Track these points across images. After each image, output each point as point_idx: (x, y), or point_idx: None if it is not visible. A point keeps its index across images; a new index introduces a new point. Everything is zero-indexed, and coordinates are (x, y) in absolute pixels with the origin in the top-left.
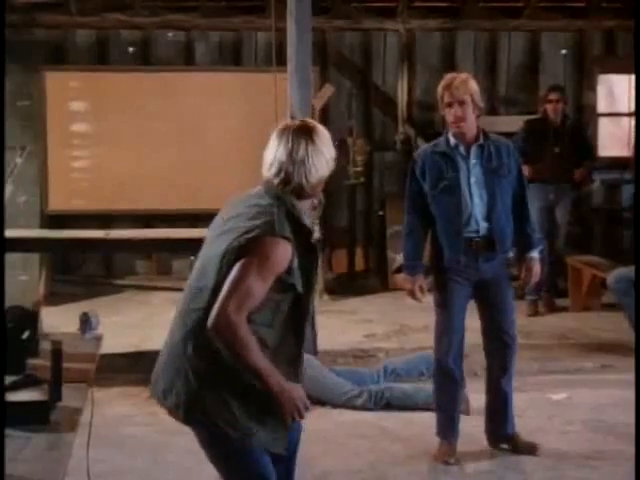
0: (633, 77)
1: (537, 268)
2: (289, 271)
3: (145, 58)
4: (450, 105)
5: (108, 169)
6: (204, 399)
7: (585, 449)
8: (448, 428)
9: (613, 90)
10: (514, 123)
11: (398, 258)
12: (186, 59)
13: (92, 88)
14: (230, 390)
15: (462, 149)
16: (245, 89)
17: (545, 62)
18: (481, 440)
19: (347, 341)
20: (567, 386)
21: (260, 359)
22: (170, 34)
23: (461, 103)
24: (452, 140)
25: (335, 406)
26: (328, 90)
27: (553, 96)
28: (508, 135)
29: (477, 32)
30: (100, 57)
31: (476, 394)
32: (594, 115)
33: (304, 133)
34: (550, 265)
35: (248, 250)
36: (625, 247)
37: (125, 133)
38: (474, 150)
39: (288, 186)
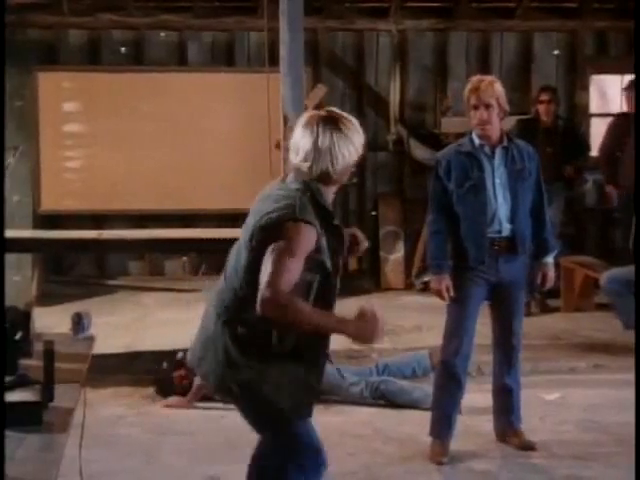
0: (625, 77)
1: (552, 273)
2: (318, 250)
3: (138, 58)
4: (476, 107)
5: (100, 169)
6: (231, 371)
7: (578, 449)
8: (444, 428)
9: (605, 90)
10: (507, 123)
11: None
12: (179, 59)
13: (84, 88)
14: (255, 363)
15: (487, 150)
16: (238, 89)
17: (538, 62)
18: (474, 438)
19: (340, 341)
20: (560, 386)
21: (316, 317)
22: (162, 34)
23: (487, 106)
24: (477, 141)
25: (330, 403)
26: (320, 90)
27: (545, 96)
28: None
29: (470, 32)
30: (92, 57)
31: (468, 394)
32: (586, 115)
33: (330, 122)
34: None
35: (272, 233)
36: (617, 247)
37: (118, 133)
38: (498, 152)
39: (315, 173)
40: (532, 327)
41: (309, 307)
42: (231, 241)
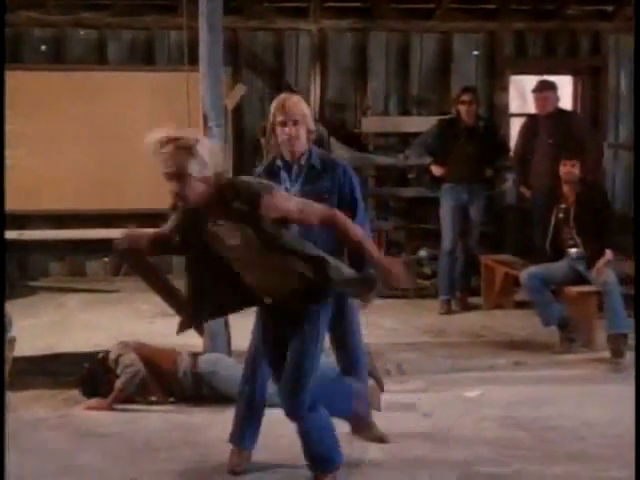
0: (544, 77)
1: None
2: None
3: (58, 57)
4: (284, 124)
5: (22, 169)
6: None
7: (498, 446)
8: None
9: (524, 91)
10: (426, 124)
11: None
12: (99, 58)
13: (6, 87)
14: None
15: (289, 167)
16: (157, 88)
17: (457, 63)
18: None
19: None
20: (480, 383)
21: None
22: (82, 32)
23: (295, 122)
24: (279, 160)
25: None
26: (240, 90)
27: (466, 97)
28: (420, 135)
29: (389, 33)
30: (13, 55)
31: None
32: (506, 115)
33: None
34: (464, 264)
35: None
36: (536, 246)
37: (38, 133)
38: (295, 169)
39: None
40: (453, 325)
41: None
42: None
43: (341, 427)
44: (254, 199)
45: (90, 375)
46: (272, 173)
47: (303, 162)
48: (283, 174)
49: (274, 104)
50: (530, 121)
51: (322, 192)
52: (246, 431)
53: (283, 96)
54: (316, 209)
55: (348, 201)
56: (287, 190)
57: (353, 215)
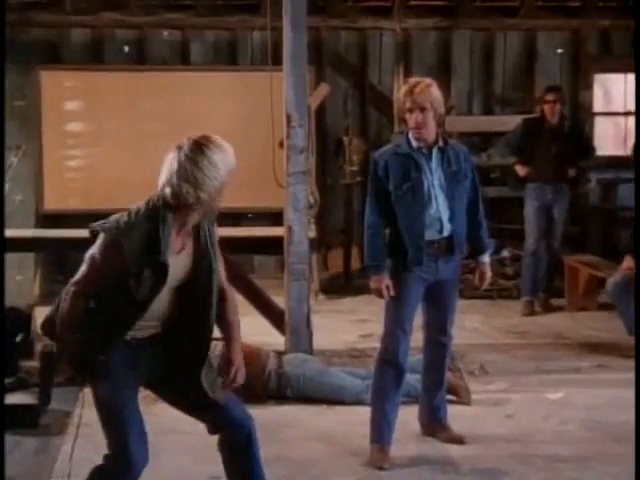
0: (629, 76)
1: (489, 272)
2: (126, 271)
3: (140, 57)
4: (411, 111)
5: (103, 168)
6: None
7: (581, 449)
8: (385, 431)
9: (609, 89)
10: (510, 122)
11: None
12: (181, 58)
13: (87, 87)
14: None
15: (424, 151)
16: (241, 89)
17: (541, 61)
18: (478, 439)
19: (343, 341)
20: (563, 386)
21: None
22: (165, 33)
23: (422, 109)
24: (414, 142)
25: (332, 404)
26: (324, 89)
27: (550, 97)
28: (504, 134)
29: (473, 31)
30: (95, 56)
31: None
32: (590, 114)
33: (192, 147)
34: (547, 265)
35: (93, 240)
36: (621, 246)
37: (120, 132)
38: (435, 153)
39: (170, 198)
40: (536, 326)
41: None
42: (233, 240)
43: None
44: None
45: None
46: (407, 156)
47: (440, 145)
48: (419, 157)
49: (403, 89)
50: None
51: (459, 175)
52: (387, 429)
53: (412, 81)
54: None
55: (470, 186)
56: (430, 173)
57: (477, 200)
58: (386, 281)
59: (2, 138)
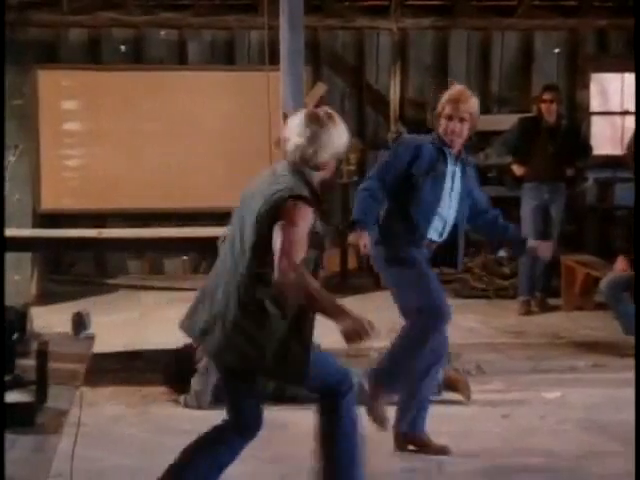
0: (626, 75)
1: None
2: (314, 226)
3: (137, 57)
4: (450, 118)
5: (100, 168)
6: (237, 344)
7: (577, 449)
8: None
9: (606, 89)
10: (507, 122)
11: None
12: (179, 58)
13: (84, 87)
14: (260, 337)
15: (452, 154)
16: (238, 88)
17: (538, 61)
18: (476, 438)
19: (340, 340)
20: (560, 385)
21: (323, 293)
22: (162, 33)
23: (461, 120)
24: (446, 140)
25: None
26: (320, 89)
27: (547, 96)
28: (501, 133)
29: (470, 31)
30: (92, 56)
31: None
32: (587, 114)
33: (319, 117)
34: (544, 264)
35: (276, 213)
36: (618, 246)
37: (117, 132)
38: (459, 162)
39: (303, 160)
40: (532, 326)
41: (307, 277)
42: None
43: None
44: None
45: (177, 362)
46: (440, 150)
47: (462, 157)
48: (449, 158)
49: (447, 95)
50: None
51: (467, 189)
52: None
53: (457, 89)
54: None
55: (478, 194)
56: (452, 177)
57: (487, 203)
58: (365, 239)
59: (2, 138)
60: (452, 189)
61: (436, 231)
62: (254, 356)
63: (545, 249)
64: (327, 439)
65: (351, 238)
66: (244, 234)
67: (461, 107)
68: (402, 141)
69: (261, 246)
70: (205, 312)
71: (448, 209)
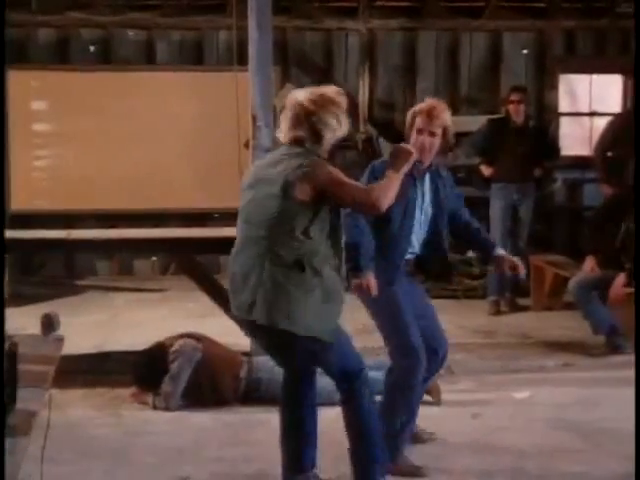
0: (594, 76)
1: (516, 259)
2: None
3: (106, 57)
4: (420, 132)
5: (70, 168)
6: (282, 305)
7: (547, 448)
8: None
9: (574, 90)
10: (476, 123)
11: None
12: (147, 58)
13: (54, 87)
14: (299, 294)
15: (420, 170)
16: (206, 89)
17: (506, 62)
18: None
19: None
20: (529, 385)
21: (387, 184)
22: (131, 33)
23: (432, 134)
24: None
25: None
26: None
27: (515, 97)
28: (469, 134)
29: (439, 32)
30: (61, 56)
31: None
32: (555, 114)
33: (322, 98)
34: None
35: (314, 178)
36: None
37: (87, 132)
38: (428, 177)
39: (309, 141)
40: (502, 326)
41: (377, 186)
42: (200, 240)
43: None
44: None
45: (148, 362)
46: (408, 182)
47: (432, 170)
48: (417, 176)
49: (418, 107)
50: (622, 119)
51: (444, 202)
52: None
53: (430, 102)
54: None
55: (458, 203)
56: (422, 197)
57: (466, 212)
58: (370, 281)
59: (2, 138)
60: (422, 210)
61: (411, 252)
62: (298, 314)
63: (514, 266)
64: (355, 422)
65: (355, 286)
66: (266, 212)
67: (433, 121)
68: (373, 165)
69: (288, 215)
70: (247, 290)
71: (420, 230)
